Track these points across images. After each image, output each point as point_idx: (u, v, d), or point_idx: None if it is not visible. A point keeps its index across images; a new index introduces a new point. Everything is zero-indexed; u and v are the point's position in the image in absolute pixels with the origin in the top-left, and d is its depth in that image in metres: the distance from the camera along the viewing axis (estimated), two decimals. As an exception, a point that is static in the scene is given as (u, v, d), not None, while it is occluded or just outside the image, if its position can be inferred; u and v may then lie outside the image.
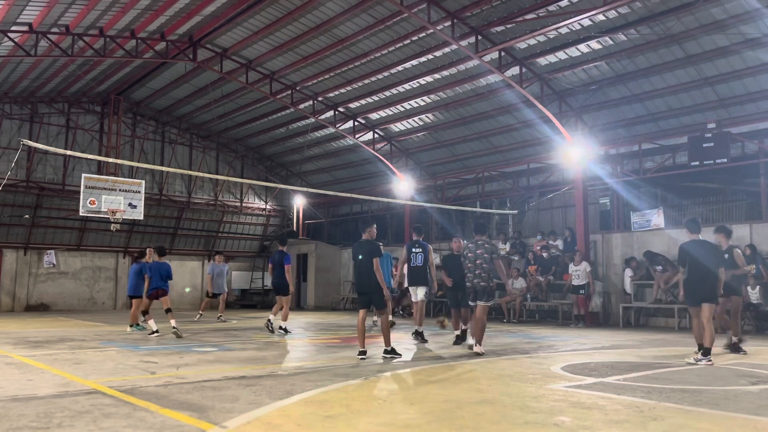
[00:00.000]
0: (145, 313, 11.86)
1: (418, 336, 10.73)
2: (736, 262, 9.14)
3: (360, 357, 8.02)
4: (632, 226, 16.58)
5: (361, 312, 8.33)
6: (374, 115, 20.67)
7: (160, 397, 5.27)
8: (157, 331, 11.36)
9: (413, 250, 10.76)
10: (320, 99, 20.23)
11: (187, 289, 24.37)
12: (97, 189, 19.10)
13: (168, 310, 11.72)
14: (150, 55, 18.01)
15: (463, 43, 14.76)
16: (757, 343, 10.42)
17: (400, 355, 8.21)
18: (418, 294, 10.90)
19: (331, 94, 19.91)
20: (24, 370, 6.98)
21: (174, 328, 11.20)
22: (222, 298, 16.53)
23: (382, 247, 9.67)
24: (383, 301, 8.14)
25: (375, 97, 19.40)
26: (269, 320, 12.25)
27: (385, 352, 8.18)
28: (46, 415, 4.54)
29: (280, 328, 12.12)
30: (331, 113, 20.68)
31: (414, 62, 16.88)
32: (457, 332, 10.33)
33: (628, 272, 15.68)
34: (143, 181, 20.83)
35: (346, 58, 17.40)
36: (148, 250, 15.46)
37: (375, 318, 13.49)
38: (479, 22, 14.36)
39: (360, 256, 8.17)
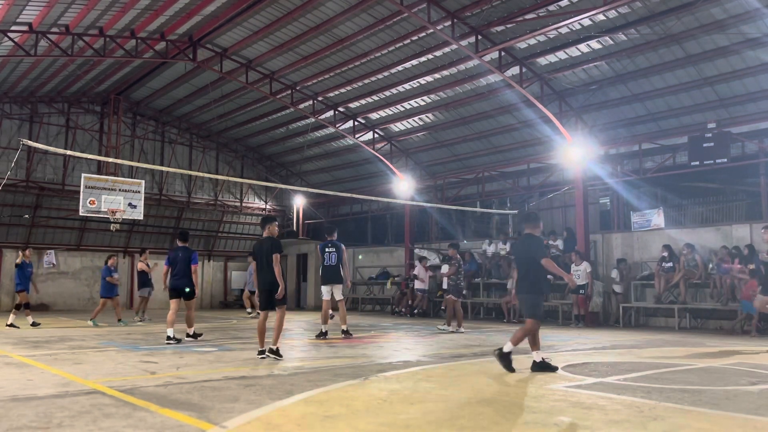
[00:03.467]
0: (27, 306, 13.68)
1: (322, 335, 10.79)
2: None
3: (261, 357, 7.95)
4: (632, 226, 16.58)
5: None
6: (374, 115, 20.67)
7: (160, 397, 5.27)
8: (10, 325, 12.95)
9: (326, 249, 11.26)
10: (320, 99, 20.22)
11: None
12: (97, 189, 19.12)
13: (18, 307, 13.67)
14: (150, 55, 18.01)
15: (463, 43, 14.76)
16: (757, 343, 10.41)
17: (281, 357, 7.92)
18: (335, 293, 11.15)
19: (331, 94, 19.91)
20: (24, 370, 6.98)
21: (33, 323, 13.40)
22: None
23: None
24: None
25: (375, 97, 19.40)
26: (184, 336, 10.59)
27: (271, 351, 7.96)
28: (46, 415, 4.54)
29: (184, 335, 10.51)
30: (331, 113, 20.67)
31: (414, 62, 16.88)
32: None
33: (614, 273, 15.74)
34: (143, 181, 20.85)
35: (346, 58, 17.40)
36: (146, 252, 15.77)
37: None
38: (479, 22, 14.35)
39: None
